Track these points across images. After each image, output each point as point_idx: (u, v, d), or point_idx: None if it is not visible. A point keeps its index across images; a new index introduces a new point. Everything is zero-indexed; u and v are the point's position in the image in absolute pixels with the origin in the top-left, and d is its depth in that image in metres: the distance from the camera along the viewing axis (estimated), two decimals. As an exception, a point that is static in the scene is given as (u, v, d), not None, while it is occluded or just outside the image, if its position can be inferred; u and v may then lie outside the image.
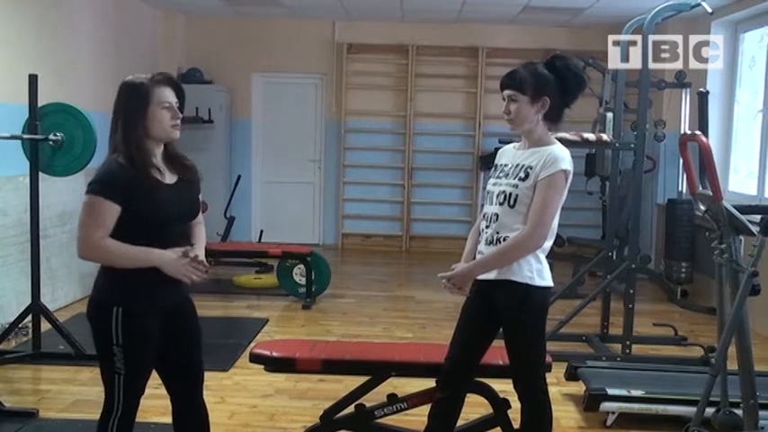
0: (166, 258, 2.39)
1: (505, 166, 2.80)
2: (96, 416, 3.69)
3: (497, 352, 3.35)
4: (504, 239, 2.70)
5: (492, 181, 2.83)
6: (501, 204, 2.72)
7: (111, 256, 2.37)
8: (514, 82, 2.70)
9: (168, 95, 2.42)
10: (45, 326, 4.58)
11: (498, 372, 3.17)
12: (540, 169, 2.65)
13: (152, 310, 2.44)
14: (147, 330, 2.43)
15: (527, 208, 2.66)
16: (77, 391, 4.10)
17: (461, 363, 2.92)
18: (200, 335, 2.65)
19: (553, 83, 2.68)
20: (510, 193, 2.69)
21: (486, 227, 2.79)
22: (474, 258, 2.85)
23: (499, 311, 2.77)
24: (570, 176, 2.69)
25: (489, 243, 2.76)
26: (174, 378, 2.62)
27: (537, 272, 2.70)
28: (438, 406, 2.98)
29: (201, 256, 2.48)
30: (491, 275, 2.75)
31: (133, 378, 2.45)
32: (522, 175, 2.69)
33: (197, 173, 2.57)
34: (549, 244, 2.74)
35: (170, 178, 2.47)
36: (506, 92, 2.73)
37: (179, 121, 2.44)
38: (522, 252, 2.67)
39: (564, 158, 2.67)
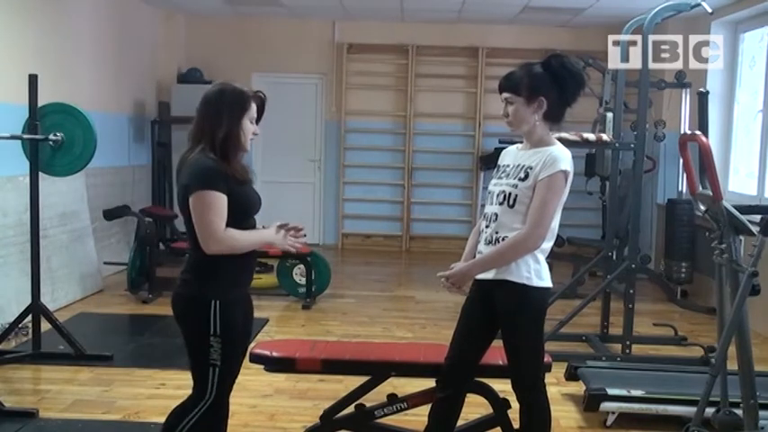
0: (273, 234, 2.65)
1: (507, 166, 2.81)
2: (96, 416, 3.72)
3: (497, 352, 3.35)
4: (503, 239, 2.70)
5: (493, 181, 2.84)
6: (500, 204, 2.73)
7: (237, 243, 2.51)
8: (510, 84, 2.72)
9: (254, 111, 2.62)
10: (45, 326, 4.57)
11: (498, 372, 3.17)
12: (539, 170, 2.64)
13: (239, 302, 2.61)
14: (238, 321, 2.58)
15: (526, 208, 2.66)
16: (77, 391, 4.10)
17: (461, 363, 2.92)
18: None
19: (549, 82, 2.67)
20: (509, 193, 2.70)
21: (486, 226, 2.80)
22: (474, 258, 2.85)
23: (497, 312, 2.77)
24: (570, 177, 2.69)
25: (488, 243, 2.77)
26: None
27: (535, 272, 2.69)
28: (438, 406, 2.99)
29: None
30: (489, 275, 2.75)
31: (228, 368, 2.56)
32: (522, 175, 2.69)
33: (253, 175, 2.72)
34: (548, 245, 2.73)
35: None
36: (504, 94, 2.74)
37: (254, 137, 2.64)
38: (521, 252, 2.67)
39: (564, 159, 2.66)
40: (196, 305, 2.52)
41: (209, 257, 2.49)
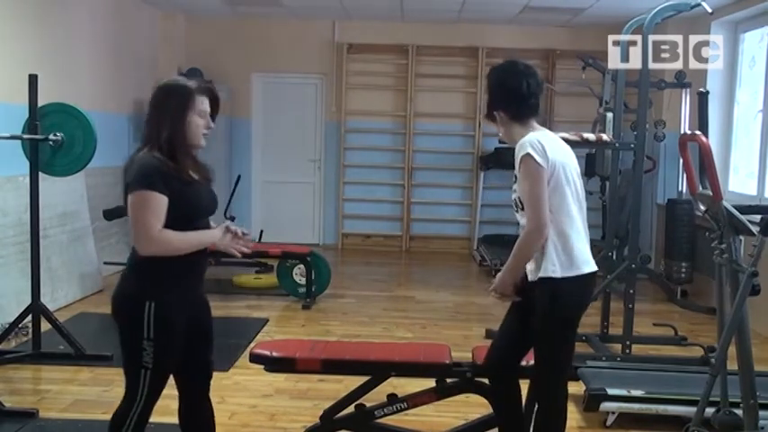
0: (218, 235, 2.56)
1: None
2: (96, 416, 3.72)
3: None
4: None
5: None
6: (517, 212, 2.83)
7: (172, 245, 2.44)
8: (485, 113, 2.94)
9: (206, 105, 2.55)
10: (45, 326, 4.57)
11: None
12: (516, 165, 2.74)
13: (181, 305, 2.51)
14: (176, 325, 2.50)
15: None
16: (77, 391, 4.10)
17: (498, 362, 2.99)
18: (213, 333, 2.73)
19: (491, 96, 2.86)
20: (516, 199, 2.80)
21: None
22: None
23: (534, 310, 2.78)
24: (540, 158, 2.65)
25: None
26: (186, 375, 2.67)
27: (560, 263, 2.70)
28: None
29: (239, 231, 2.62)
30: (529, 278, 2.79)
31: (159, 372, 2.50)
32: (514, 179, 2.81)
33: (212, 174, 2.68)
34: (567, 228, 2.71)
35: (195, 176, 2.58)
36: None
37: (208, 131, 2.58)
38: (531, 244, 2.69)
39: (526, 144, 2.69)
40: (131, 305, 2.45)
41: (147, 258, 2.43)
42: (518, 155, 2.70)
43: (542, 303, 2.72)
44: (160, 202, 2.39)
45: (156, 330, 2.42)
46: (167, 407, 2.72)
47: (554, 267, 2.69)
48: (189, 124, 2.50)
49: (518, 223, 2.85)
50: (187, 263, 2.50)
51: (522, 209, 2.74)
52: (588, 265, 2.77)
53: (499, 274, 2.85)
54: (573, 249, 2.72)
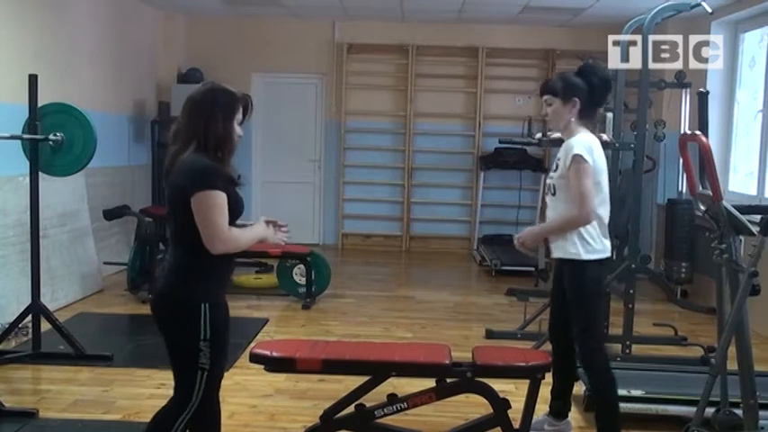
0: (265, 229, 2.69)
1: (558, 159, 3.27)
2: (96, 416, 3.73)
3: (497, 352, 3.36)
4: None
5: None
6: (548, 194, 3.30)
7: (238, 241, 2.51)
8: (549, 88, 3.25)
9: (241, 114, 2.62)
10: (45, 326, 4.57)
11: (498, 372, 3.18)
12: (563, 160, 3.15)
13: (225, 302, 2.59)
14: (226, 322, 2.56)
15: (564, 194, 3.17)
16: (77, 391, 4.10)
17: (556, 322, 3.47)
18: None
19: (582, 86, 3.17)
20: (551, 185, 3.26)
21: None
22: None
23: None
24: (589, 157, 3.09)
25: None
26: None
27: (582, 247, 3.16)
28: (553, 363, 3.36)
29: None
30: (557, 254, 3.28)
31: (216, 372, 2.55)
32: (554, 167, 3.26)
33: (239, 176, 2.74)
34: (601, 212, 3.18)
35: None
36: (544, 97, 3.26)
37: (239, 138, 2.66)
38: (570, 228, 3.16)
39: (577, 144, 3.10)
40: (186, 309, 2.48)
41: (199, 260, 2.45)
42: (567, 152, 3.11)
43: (567, 280, 3.24)
44: (224, 201, 2.46)
45: (212, 331, 2.47)
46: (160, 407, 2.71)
47: (576, 251, 3.16)
48: (233, 128, 2.57)
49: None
50: (229, 263, 2.60)
51: (553, 194, 3.23)
52: (606, 249, 3.23)
53: (533, 231, 3.38)
54: (598, 233, 3.18)
